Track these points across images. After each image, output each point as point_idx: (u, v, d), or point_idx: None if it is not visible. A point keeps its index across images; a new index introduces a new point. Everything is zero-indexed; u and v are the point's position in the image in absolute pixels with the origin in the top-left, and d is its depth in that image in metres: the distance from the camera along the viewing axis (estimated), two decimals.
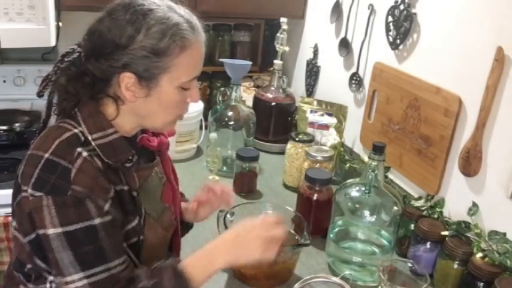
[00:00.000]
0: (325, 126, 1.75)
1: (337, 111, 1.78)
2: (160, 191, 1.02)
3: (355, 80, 1.74)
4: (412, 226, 1.30)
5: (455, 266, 1.17)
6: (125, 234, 0.91)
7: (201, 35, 0.91)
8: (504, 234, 1.10)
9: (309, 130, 1.77)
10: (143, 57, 0.84)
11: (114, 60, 0.85)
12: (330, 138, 1.72)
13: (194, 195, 1.20)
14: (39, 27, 1.52)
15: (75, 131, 0.86)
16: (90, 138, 0.87)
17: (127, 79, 0.86)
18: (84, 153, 0.83)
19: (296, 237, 1.22)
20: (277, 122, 1.97)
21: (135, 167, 0.93)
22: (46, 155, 0.82)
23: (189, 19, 0.89)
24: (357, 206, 1.24)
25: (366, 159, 1.36)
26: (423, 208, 1.32)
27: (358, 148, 1.75)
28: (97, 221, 0.83)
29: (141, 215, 0.94)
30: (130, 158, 0.91)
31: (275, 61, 1.93)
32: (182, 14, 0.89)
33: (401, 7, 1.45)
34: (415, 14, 1.41)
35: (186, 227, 1.21)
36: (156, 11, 0.85)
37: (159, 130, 0.99)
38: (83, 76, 0.88)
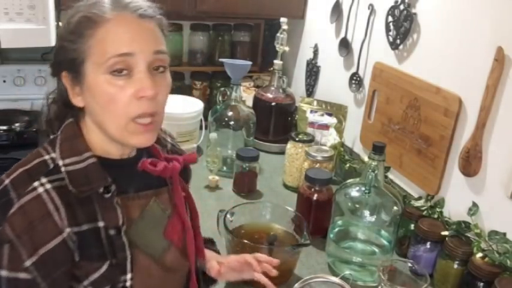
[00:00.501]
0: (325, 126, 1.75)
1: (337, 111, 1.78)
2: (163, 226, 0.88)
3: (355, 80, 1.74)
4: (412, 226, 1.30)
5: (455, 266, 1.17)
6: (92, 283, 0.78)
7: (130, 10, 0.75)
8: (504, 234, 1.10)
9: (309, 130, 1.77)
10: (64, 48, 0.76)
11: (56, 62, 0.79)
12: (330, 138, 1.72)
13: (225, 257, 1.06)
14: (39, 27, 1.52)
15: (46, 157, 0.77)
16: (61, 163, 0.76)
17: (64, 79, 0.79)
18: (40, 189, 0.73)
19: (296, 237, 1.22)
20: (277, 122, 1.97)
21: (115, 197, 0.79)
22: (6, 181, 0.75)
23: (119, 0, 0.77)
24: (357, 206, 1.24)
25: (366, 159, 1.36)
26: (423, 208, 1.32)
27: (358, 148, 1.75)
28: (3, 273, 0.70)
29: (125, 257, 0.79)
30: (107, 186, 0.78)
31: (275, 61, 1.93)
32: None
33: (401, 7, 1.45)
34: (415, 14, 1.41)
35: (209, 280, 1.06)
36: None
37: (125, 143, 0.79)
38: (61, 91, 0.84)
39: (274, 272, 1.02)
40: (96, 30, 0.74)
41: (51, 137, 0.83)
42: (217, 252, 1.11)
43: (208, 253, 1.05)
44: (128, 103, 0.74)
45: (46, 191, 0.73)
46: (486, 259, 1.10)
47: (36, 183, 0.73)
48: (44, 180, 0.74)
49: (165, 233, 0.88)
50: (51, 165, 0.76)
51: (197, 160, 0.97)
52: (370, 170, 1.21)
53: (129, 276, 0.80)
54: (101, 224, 0.77)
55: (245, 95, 2.06)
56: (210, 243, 1.11)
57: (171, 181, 0.90)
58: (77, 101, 0.79)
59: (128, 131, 0.76)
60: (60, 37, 0.77)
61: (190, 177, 1.04)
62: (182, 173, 0.93)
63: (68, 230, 0.73)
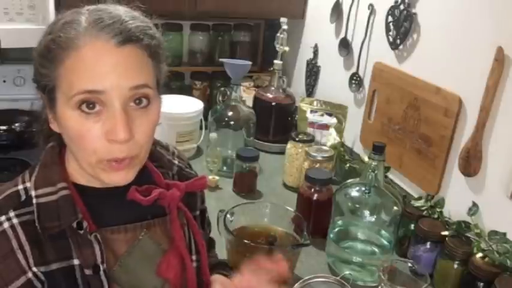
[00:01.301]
0: (325, 126, 1.75)
1: (337, 111, 1.78)
2: (156, 262, 0.78)
3: (355, 80, 1.74)
4: (412, 226, 1.30)
5: (455, 266, 1.17)
6: None
7: (107, 35, 0.64)
8: (504, 234, 1.10)
9: (309, 130, 1.77)
10: (37, 70, 0.69)
11: (34, 80, 0.72)
12: (330, 138, 1.72)
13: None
14: (39, 27, 1.52)
15: (19, 187, 0.71)
16: (33, 194, 0.70)
17: (43, 100, 0.72)
18: (6, 224, 0.67)
19: (296, 237, 1.22)
20: (277, 122, 1.97)
21: (89, 233, 0.70)
22: None
23: (99, 18, 0.65)
24: (357, 206, 1.24)
25: (366, 159, 1.36)
26: (423, 208, 1.32)
27: (358, 148, 1.75)
28: None
29: None
30: (80, 222, 0.70)
31: (275, 61, 1.93)
32: (103, 14, 0.67)
33: (401, 7, 1.45)
34: (415, 14, 1.41)
35: None
36: (67, 14, 0.69)
37: (99, 179, 0.70)
38: None
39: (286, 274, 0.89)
40: (65, 58, 0.64)
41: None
42: (227, 275, 0.96)
43: (215, 277, 0.93)
44: (97, 144, 0.65)
45: (12, 226, 0.67)
46: (486, 259, 1.10)
47: (2, 218, 0.68)
48: (11, 214, 0.68)
49: (158, 270, 0.78)
50: (23, 197, 0.70)
51: (207, 186, 0.86)
52: (370, 170, 1.21)
53: None
54: (75, 262, 0.69)
55: (245, 95, 2.06)
56: (222, 266, 1.00)
57: (169, 210, 0.79)
58: (54, 126, 0.72)
59: (100, 168, 0.68)
60: (34, 57, 0.69)
61: (202, 202, 0.92)
62: (189, 200, 0.83)
63: (34, 269, 0.67)
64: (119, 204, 0.75)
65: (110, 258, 0.73)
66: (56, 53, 0.65)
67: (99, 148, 0.66)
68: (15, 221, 0.68)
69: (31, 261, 0.67)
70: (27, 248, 0.67)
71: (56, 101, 0.67)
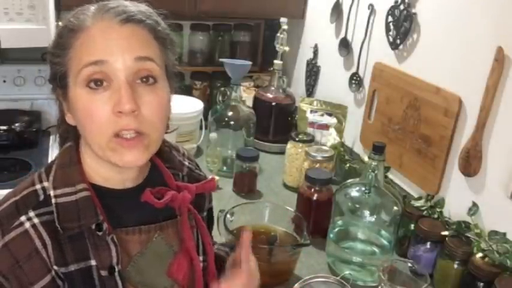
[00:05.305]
0: (325, 126, 1.75)
1: (337, 111, 1.78)
2: (167, 263, 0.79)
3: (355, 80, 1.74)
4: (412, 226, 1.30)
5: (455, 266, 1.17)
6: None
7: (112, 15, 0.68)
8: (504, 234, 1.10)
9: (309, 130, 1.77)
10: (50, 63, 0.72)
11: (49, 79, 0.74)
12: (330, 138, 1.72)
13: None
14: (39, 27, 1.52)
15: (37, 187, 0.72)
16: (52, 194, 0.70)
17: (58, 95, 0.74)
18: (27, 224, 0.67)
19: (296, 237, 1.22)
20: (277, 122, 1.97)
21: (107, 235, 0.71)
22: None
23: (105, 4, 0.70)
24: (357, 206, 1.24)
25: (366, 159, 1.36)
26: (423, 208, 1.32)
27: (358, 148, 1.75)
28: None
29: None
30: (99, 223, 0.71)
31: (275, 61, 1.93)
32: (109, 2, 0.71)
33: (401, 7, 1.45)
34: (415, 14, 1.41)
35: None
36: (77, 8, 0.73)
37: (112, 163, 0.70)
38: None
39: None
40: (75, 41, 0.68)
41: (50, 161, 0.78)
42: (227, 252, 1.00)
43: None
44: (106, 120, 0.66)
45: (33, 226, 0.68)
46: (486, 259, 1.10)
47: (22, 218, 0.68)
48: (31, 214, 0.69)
49: (168, 271, 0.79)
50: (42, 196, 0.71)
51: (216, 188, 0.87)
52: (370, 170, 1.21)
53: None
54: (93, 262, 0.70)
55: (245, 95, 2.06)
56: (223, 245, 1.02)
57: (180, 212, 0.80)
58: (69, 118, 0.73)
59: (111, 150, 0.68)
60: (48, 53, 0.72)
61: (209, 202, 0.93)
62: (197, 201, 0.84)
63: (55, 267, 0.68)
64: (132, 205, 0.76)
65: (124, 259, 0.74)
66: (68, 37, 0.69)
67: (108, 124, 0.66)
68: (36, 220, 0.68)
69: (52, 259, 0.68)
70: (49, 247, 0.68)
71: (68, 86, 0.70)
